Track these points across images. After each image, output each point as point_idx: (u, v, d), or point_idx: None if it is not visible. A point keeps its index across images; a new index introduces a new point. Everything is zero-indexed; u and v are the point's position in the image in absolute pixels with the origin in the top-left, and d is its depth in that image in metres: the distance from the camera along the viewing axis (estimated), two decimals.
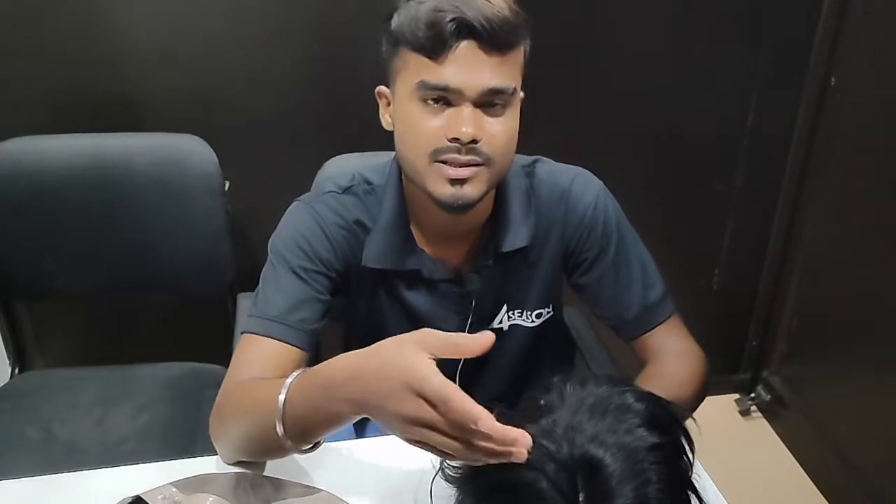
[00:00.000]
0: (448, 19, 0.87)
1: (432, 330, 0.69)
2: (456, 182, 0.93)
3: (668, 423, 0.70)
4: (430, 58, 0.90)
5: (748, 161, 1.97)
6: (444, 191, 0.93)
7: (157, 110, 1.62)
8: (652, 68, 1.81)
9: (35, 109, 1.60)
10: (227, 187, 1.51)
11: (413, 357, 0.65)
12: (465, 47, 0.89)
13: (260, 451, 0.89)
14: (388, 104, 1.00)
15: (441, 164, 0.93)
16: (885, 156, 1.69)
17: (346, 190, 1.08)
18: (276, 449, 0.82)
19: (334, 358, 0.75)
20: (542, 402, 0.69)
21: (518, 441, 0.62)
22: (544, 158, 1.13)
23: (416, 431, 0.66)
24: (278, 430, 0.78)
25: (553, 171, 1.12)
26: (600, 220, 1.09)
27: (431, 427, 0.64)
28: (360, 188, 1.08)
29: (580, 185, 1.10)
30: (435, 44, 0.88)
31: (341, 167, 1.39)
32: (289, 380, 0.79)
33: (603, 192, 1.11)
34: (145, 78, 1.60)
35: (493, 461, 0.64)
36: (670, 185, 1.97)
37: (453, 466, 0.73)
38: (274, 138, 1.71)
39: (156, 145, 1.51)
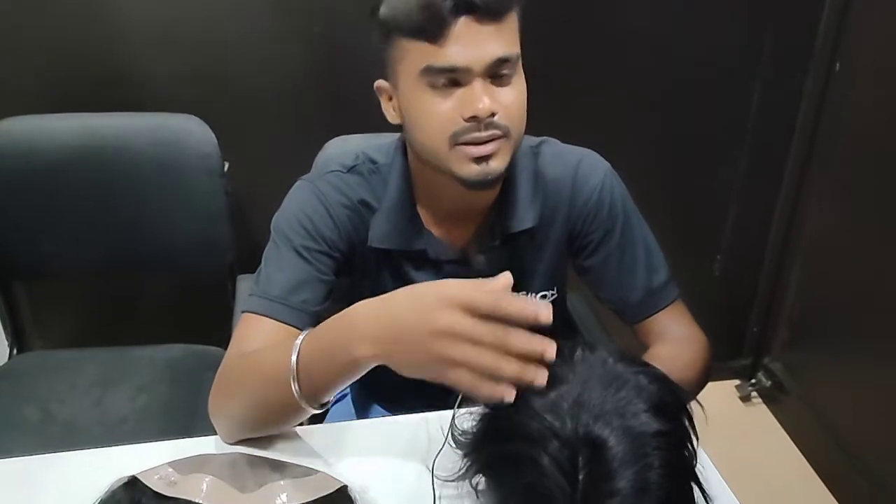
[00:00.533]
0: None
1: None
2: (481, 160, 0.92)
3: (675, 410, 0.69)
4: (429, 41, 0.88)
5: (751, 147, 1.96)
6: (471, 170, 0.92)
7: (156, 90, 1.61)
8: (656, 54, 1.80)
9: (33, 89, 1.59)
10: (226, 168, 1.50)
11: (446, 283, 0.71)
12: (463, 23, 0.87)
13: (269, 419, 0.89)
14: (390, 98, 0.99)
15: (462, 146, 0.91)
16: (889, 143, 1.68)
17: (351, 169, 1.06)
18: (288, 413, 0.85)
19: (351, 306, 0.78)
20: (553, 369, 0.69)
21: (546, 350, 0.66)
22: (551, 139, 1.12)
23: (452, 348, 0.68)
24: (293, 389, 0.80)
25: (560, 152, 1.11)
26: (606, 202, 1.08)
27: (467, 338, 0.67)
28: (365, 167, 1.06)
29: (587, 166, 1.09)
30: (433, 26, 0.87)
31: (342, 148, 1.38)
32: (298, 340, 0.81)
33: (610, 173, 1.10)
34: (145, 58, 1.59)
35: (521, 378, 0.67)
36: (673, 170, 1.96)
37: (463, 432, 0.74)
38: (274, 119, 1.70)
39: (155, 125, 1.50)
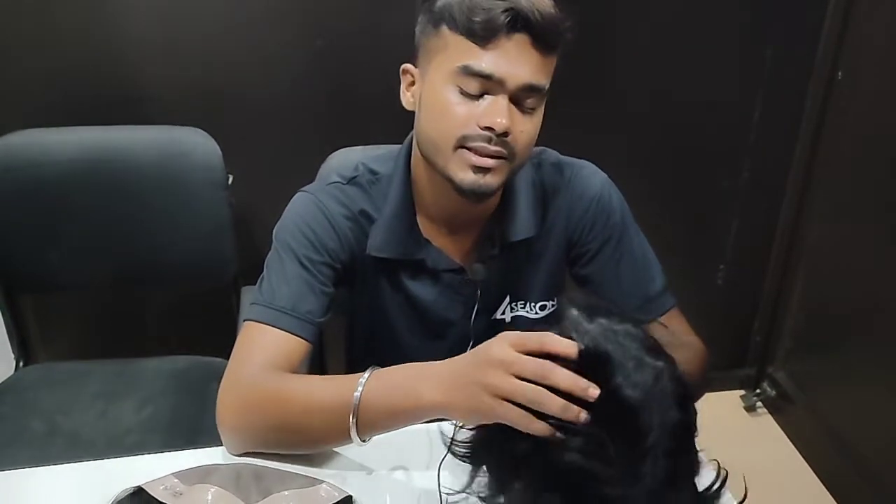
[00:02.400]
0: (504, 8, 0.87)
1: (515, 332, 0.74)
2: (479, 170, 0.93)
3: (691, 405, 0.71)
4: (477, 43, 0.89)
5: (754, 157, 1.96)
6: (466, 177, 0.93)
7: (160, 103, 1.62)
8: (658, 63, 1.81)
9: (39, 102, 1.60)
10: (230, 180, 1.51)
11: (498, 340, 0.73)
12: (516, 39, 0.89)
13: (306, 443, 0.92)
14: (412, 83, 1.00)
15: (466, 151, 0.93)
16: (892, 152, 1.69)
17: (351, 180, 1.07)
18: (331, 441, 0.90)
19: (424, 362, 0.82)
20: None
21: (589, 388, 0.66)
22: (550, 150, 1.13)
23: (503, 379, 0.70)
24: (350, 422, 0.83)
25: (559, 162, 1.12)
26: (605, 212, 1.09)
27: (517, 370, 0.69)
28: (365, 178, 1.07)
29: (585, 176, 1.10)
30: (486, 30, 0.88)
31: (345, 160, 1.38)
32: (364, 377, 0.84)
33: (608, 183, 1.11)
34: (149, 71, 1.60)
35: (565, 415, 0.67)
36: (676, 180, 1.96)
37: (462, 443, 0.76)
38: (277, 132, 1.71)
39: (159, 138, 1.51)
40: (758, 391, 2.24)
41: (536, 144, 1.11)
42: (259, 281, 1.02)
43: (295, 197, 1.08)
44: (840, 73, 1.82)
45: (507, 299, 1.13)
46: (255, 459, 0.90)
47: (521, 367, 0.69)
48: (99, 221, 1.50)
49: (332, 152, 1.42)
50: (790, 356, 2.16)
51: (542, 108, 0.96)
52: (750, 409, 2.24)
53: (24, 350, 1.66)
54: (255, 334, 0.97)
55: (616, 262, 1.10)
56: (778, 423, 2.19)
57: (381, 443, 0.97)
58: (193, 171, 1.49)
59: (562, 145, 1.15)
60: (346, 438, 0.85)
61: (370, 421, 0.83)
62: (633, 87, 1.82)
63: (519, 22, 0.88)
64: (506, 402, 0.69)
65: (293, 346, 0.97)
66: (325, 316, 1.02)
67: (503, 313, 1.13)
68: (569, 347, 0.68)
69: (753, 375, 2.26)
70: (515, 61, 0.90)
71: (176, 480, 0.82)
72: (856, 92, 1.79)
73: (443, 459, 0.80)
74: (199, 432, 1.35)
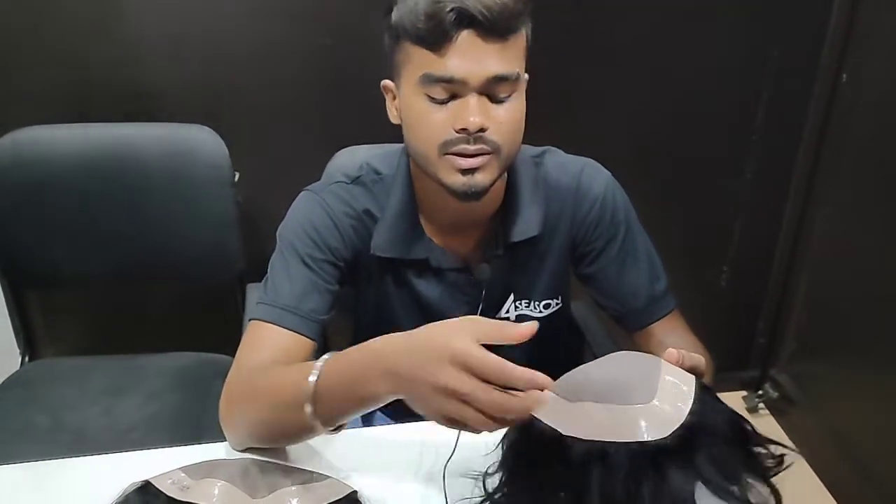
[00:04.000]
0: (448, 9, 0.86)
1: (480, 317, 0.73)
2: (467, 172, 0.93)
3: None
4: (431, 50, 0.89)
5: (757, 158, 1.96)
6: (456, 180, 0.93)
7: (167, 101, 1.63)
8: (662, 65, 1.81)
9: (46, 100, 1.61)
10: (236, 178, 1.52)
11: (459, 333, 0.70)
12: (466, 37, 0.88)
13: (279, 435, 0.90)
14: (395, 98, 1.00)
15: (451, 156, 0.93)
16: None
17: (355, 180, 1.08)
18: (300, 431, 0.85)
19: (377, 339, 0.78)
20: None
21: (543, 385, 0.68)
22: (553, 149, 1.13)
23: (453, 405, 0.68)
24: (307, 410, 0.80)
25: (562, 161, 1.12)
26: (609, 211, 1.09)
27: (467, 400, 0.67)
28: (369, 178, 1.08)
29: (589, 175, 1.10)
30: (436, 35, 0.88)
31: (351, 158, 1.39)
32: (320, 362, 0.81)
33: (612, 182, 1.11)
34: (156, 68, 1.61)
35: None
36: (679, 181, 1.97)
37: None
38: (283, 129, 1.72)
39: (166, 136, 1.51)
40: (760, 393, 2.23)
41: (539, 144, 1.12)
42: (264, 280, 1.03)
43: (299, 196, 1.09)
44: (845, 75, 1.82)
45: (512, 297, 1.13)
46: (261, 455, 0.91)
47: (482, 370, 0.67)
48: (105, 218, 1.51)
49: (337, 150, 1.43)
50: (793, 358, 2.16)
51: (521, 92, 0.95)
52: (752, 410, 2.23)
53: (29, 345, 1.67)
54: (258, 333, 0.98)
55: (621, 261, 1.10)
56: (780, 424, 2.18)
57: (387, 439, 0.98)
58: (199, 168, 1.50)
59: (563, 146, 1.15)
60: (313, 427, 0.82)
61: (329, 409, 0.80)
62: (635, 86, 1.82)
63: (464, 19, 0.87)
64: (461, 404, 0.68)
65: (297, 344, 0.98)
66: (329, 314, 1.03)
67: (507, 312, 1.13)
68: (530, 382, 0.68)
69: (756, 377, 2.26)
70: (472, 59, 0.88)
71: (183, 475, 0.82)
72: (860, 94, 1.79)
73: (448, 459, 0.81)
74: (204, 429, 1.35)
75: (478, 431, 0.70)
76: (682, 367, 0.73)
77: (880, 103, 1.75)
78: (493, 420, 0.68)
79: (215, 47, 1.61)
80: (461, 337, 0.69)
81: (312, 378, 0.80)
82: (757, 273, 2.14)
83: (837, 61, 1.82)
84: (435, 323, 0.74)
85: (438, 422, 0.71)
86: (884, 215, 1.74)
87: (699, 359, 0.76)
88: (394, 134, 1.04)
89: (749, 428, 0.73)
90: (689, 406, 0.68)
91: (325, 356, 0.82)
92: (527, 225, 1.06)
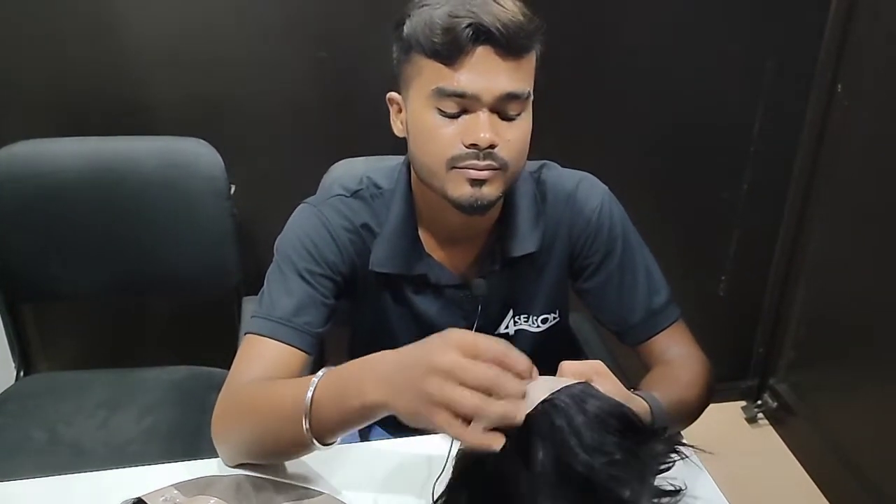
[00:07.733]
0: (464, 25, 0.86)
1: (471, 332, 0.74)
2: (476, 183, 0.92)
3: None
4: (445, 64, 0.89)
5: (755, 168, 1.96)
6: (464, 192, 0.93)
7: (163, 114, 1.63)
8: (658, 75, 1.81)
9: (42, 113, 1.61)
10: (232, 191, 1.52)
11: (442, 344, 0.71)
12: (481, 52, 0.88)
13: (274, 450, 0.89)
14: (400, 111, 1.00)
15: (459, 170, 0.92)
16: (892, 163, 1.69)
17: (354, 193, 1.07)
18: (295, 447, 0.85)
19: (372, 354, 0.79)
20: None
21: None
22: (550, 163, 1.13)
23: (439, 386, 0.68)
24: (304, 426, 0.80)
25: (559, 175, 1.12)
26: (605, 225, 1.09)
27: (458, 379, 0.68)
28: (368, 192, 1.07)
29: (585, 189, 1.10)
30: (451, 49, 0.88)
31: (347, 171, 1.39)
32: (316, 378, 0.81)
33: (608, 196, 1.11)
34: (152, 81, 1.61)
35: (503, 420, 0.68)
36: (677, 191, 1.97)
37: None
38: (280, 142, 1.72)
39: (162, 148, 1.51)
40: (759, 402, 2.23)
41: (538, 158, 1.12)
42: (260, 293, 1.03)
43: (297, 209, 1.08)
44: (840, 86, 1.82)
45: (511, 313, 1.13)
46: (255, 471, 0.90)
47: (465, 376, 0.68)
48: (101, 231, 1.51)
49: (334, 163, 1.43)
50: (792, 368, 2.15)
51: (529, 111, 0.95)
52: (751, 420, 2.23)
53: (25, 359, 1.66)
54: (253, 346, 0.98)
55: (619, 275, 1.10)
56: (779, 434, 2.18)
57: (379, 454, 0.98)
58: (196, 181, 1.50)
59: (562, 157, 1.15)
60: (309, 443, 0.82)
61: (322, 422, 0.80)
62: (634, 98, 1.83)
63: (481, 35, 0.87)
64: (443, 412, 0.68)
65: (291, 357, 0.97)
66: (325, 327, 1.02)
67: (506, 327, 1.13)
68: (523, 364, 0.70)
69: (755, 387, 2.26)
70: (487, 75, 0.89)
71: (176, 492, 0.82)
72: (855, 104, 1.80)
73: (438, 476, 0.80)
74: (200, 442, 1.35)
75: (462, 436, 0.69)
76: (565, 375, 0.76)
77: (875, 113, 1.75)
78: (484, 404, 0.68)
79: (211, 61, 1.61)
80: (459, 330, 0.72)
81: (309, 393, 0.80)
82: (755, 283, 2.14)
83: (832, 72, 1.83)
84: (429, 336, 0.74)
85: (429, 419, 0.70)
86: (880, 225, 1.75)
87: (591, 365, 0.79)
88: (390, 147, 1.04)
89: (629, 415, 0.74)
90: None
91: (321, 371, 0.82)
92: (525, 241, 1.06)
